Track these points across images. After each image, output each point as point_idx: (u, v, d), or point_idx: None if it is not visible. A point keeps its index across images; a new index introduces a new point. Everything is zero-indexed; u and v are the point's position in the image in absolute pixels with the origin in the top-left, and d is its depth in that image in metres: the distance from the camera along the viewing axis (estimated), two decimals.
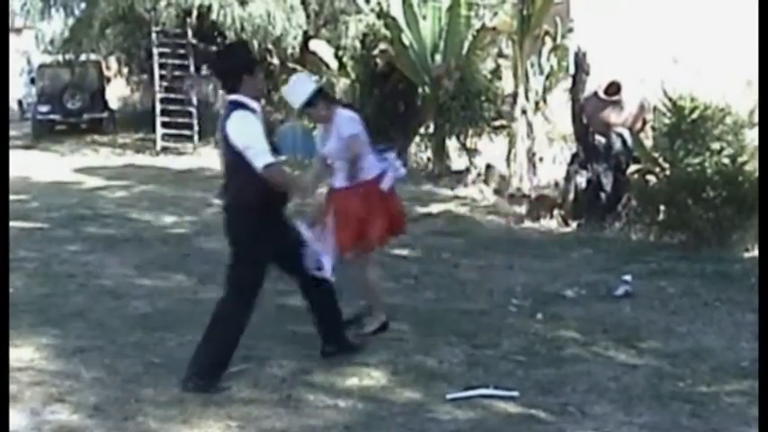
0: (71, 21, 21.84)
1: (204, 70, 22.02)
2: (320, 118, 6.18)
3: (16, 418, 4.75)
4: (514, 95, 13.04)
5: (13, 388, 5.08)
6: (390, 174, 6.12)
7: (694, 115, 9.24)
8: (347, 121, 6.05)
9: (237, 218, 5.32)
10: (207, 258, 8.82)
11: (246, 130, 5.18)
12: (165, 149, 18.99)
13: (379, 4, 15.48)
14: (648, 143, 10.26)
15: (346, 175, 6.04)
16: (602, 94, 10.44)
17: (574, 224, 10.33)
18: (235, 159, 5.21)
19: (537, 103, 13.56)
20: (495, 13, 15.17)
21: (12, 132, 20.43)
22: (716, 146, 9.13)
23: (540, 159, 13.12)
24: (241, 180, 5.23)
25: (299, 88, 6.11)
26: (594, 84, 10.69)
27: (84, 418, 4.84)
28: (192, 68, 20.29)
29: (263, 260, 5.39)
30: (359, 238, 6.04)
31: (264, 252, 5.34)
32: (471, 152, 14.56)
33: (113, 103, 24.78)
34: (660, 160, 9.68)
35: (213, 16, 18.55)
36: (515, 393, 5.09)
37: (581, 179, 10.57)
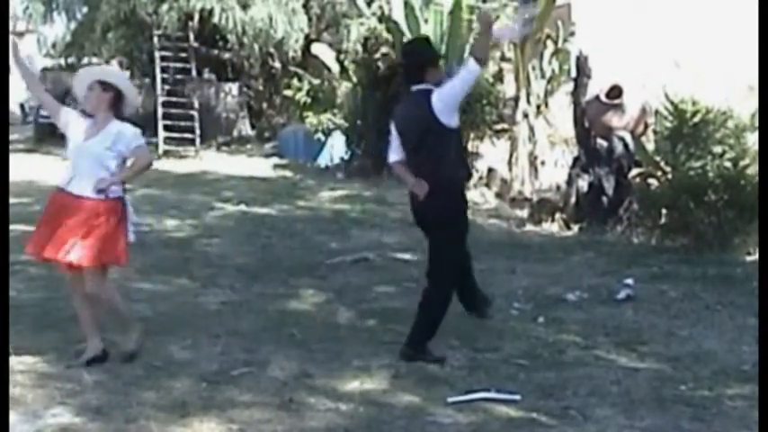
0: (73, 25, 21.91)
1: (206, 74, 22.05)
2: (97, 104, 5.76)
3: (18, 421, 4.75)
4: (516, 99, 13.06)
5: (15, 391, 5.09)
6: (131, 222, 5.90)
7: (696, 119, 9.25)
8: (135, 135, 5.75)
9: (445, 195, 5.77)
10: (209, 262, 8.84)
11: None
12: (167, 153, 18.99)
13: (380, 7, 15.50)
14: (650, 147, 10.27)
15: (96, 185, 5.63)
16: (603, 98, 10.44)
17: (575, 228, 10.34)
18: (441, 138, 5.70)
19: (539, 107, 13.58)
20: (497, 17, 15.17)
21: (14, 136, 20.46)
22: (718, 149, 9.14)
23: (542, 163, 13.13)
24: (450, 157, 5.75)
25: (114, 72, 5.92)
26: (596, 87, 10.70)
27: (85, 421, 4.84)
28: (193, 72, 20.31)
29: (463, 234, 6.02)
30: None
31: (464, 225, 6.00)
32: (473, 156, 14.56)
33: None
34: (662, 164, 9.68)
35: (215, 20, 18.58)
36: (517, 397, 5.09)
37: (583, 183, 10.59)
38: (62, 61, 22.58)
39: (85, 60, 21.56)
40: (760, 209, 6.05)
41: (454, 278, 6.01)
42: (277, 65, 20.65)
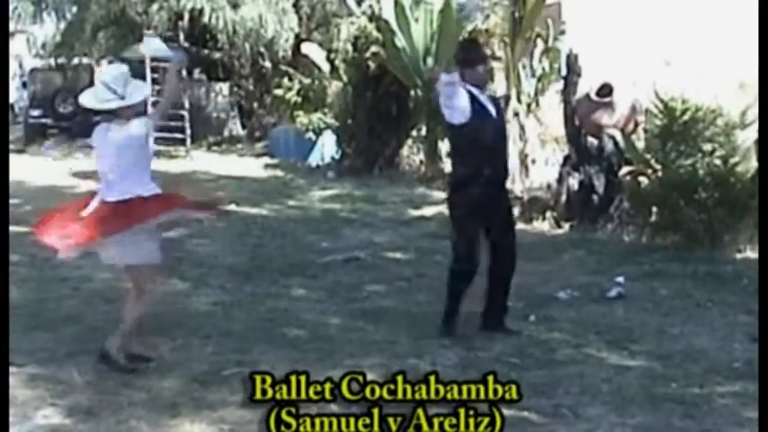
0: (63, 25, 21.85)
1: (196, 73, 22.00)
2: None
3: (9, 422, 4.73)
4: (506, 98, 13.04)
5: None
6: None
7: (686, 117, 9.27)
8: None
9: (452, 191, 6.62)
10: (200, 262, 8.82)
11: None
12: (157, 153, 18.86)
13: (371, 6, 15.50)
14: (640, 145, 10.28)
15: None
16: (593, 96, 10.45)
17: (566, 226, 10.35)
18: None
19: (529, 106, 13.57)
20: (487, 16, 15.20)
21: None
22: (707, 147, 9.16)
23: (533, 161, 13.12)
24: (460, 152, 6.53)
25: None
26: (586, 86, 10.71)
27: (76, 422, 4.83)
28: (184, 72, 20.25)
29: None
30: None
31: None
32: None
33: None
34: (652, 162, 9.70)
35: (205, 20, 18.57)
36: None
37: (573, 181, 10.59)
38: (52, 61, 22.52)
39: (75, 61, 21.51)
40: (760, 208, 6.07)
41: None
42: (267, 64, 20.63)
